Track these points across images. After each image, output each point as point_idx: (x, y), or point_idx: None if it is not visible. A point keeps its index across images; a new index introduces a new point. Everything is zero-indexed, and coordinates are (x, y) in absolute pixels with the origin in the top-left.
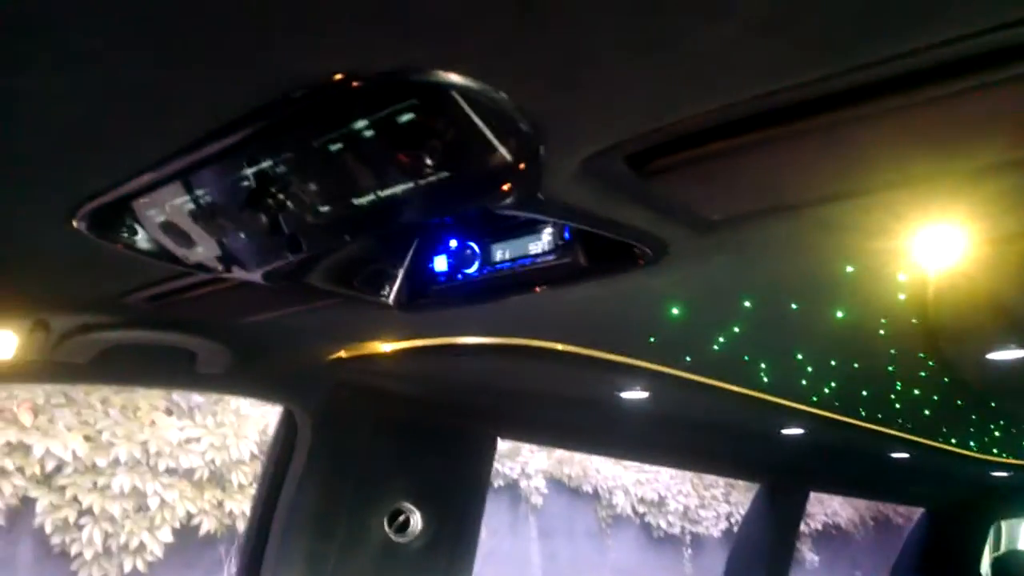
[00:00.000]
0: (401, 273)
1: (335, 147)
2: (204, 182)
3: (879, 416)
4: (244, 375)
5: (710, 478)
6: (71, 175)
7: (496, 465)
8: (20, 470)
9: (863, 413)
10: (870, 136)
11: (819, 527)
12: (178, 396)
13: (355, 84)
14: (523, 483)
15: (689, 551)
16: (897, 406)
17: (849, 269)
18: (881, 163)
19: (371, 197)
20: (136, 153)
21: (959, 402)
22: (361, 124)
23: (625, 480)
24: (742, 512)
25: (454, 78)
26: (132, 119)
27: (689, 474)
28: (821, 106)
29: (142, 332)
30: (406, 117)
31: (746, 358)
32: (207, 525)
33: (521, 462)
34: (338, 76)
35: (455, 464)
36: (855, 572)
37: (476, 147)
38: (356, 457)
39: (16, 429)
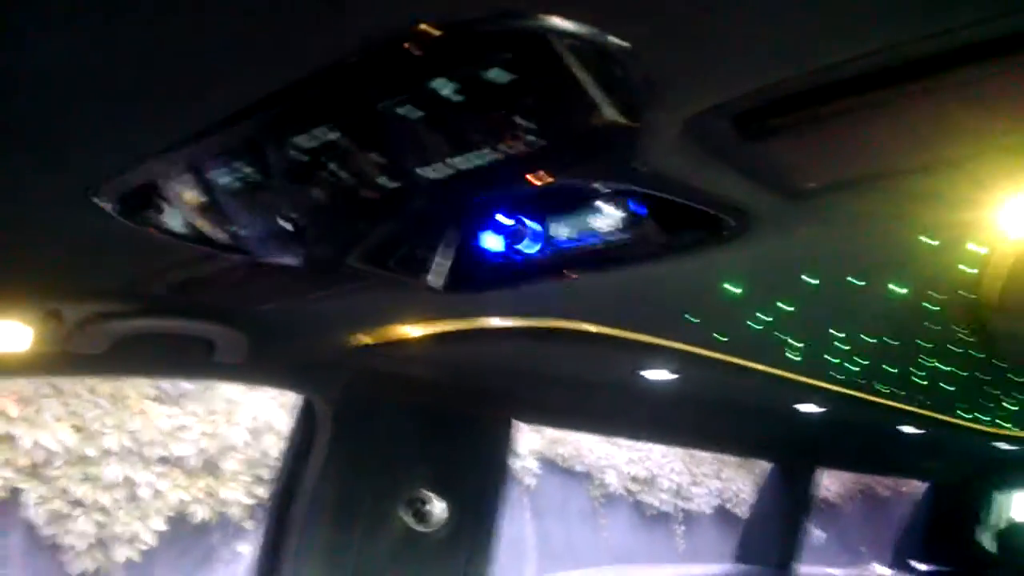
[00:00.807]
0: (449, 253)
1: (404, 110)
2: (244, 156)
3: (898, 392)
4: (263, 364)
5: (701, 455)
6: (96, 148)
7: None
8: (8, 462)
9: (883, 389)
10: (968, 102)
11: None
12: (167, 384)
13: (436, 34)
14: (516, 464)
15: (682, 528)
16: (917, 382)
17: (927, 241)
18: (976, 130)
19: (440, 167)
20: (174, 124)
21: (981, 376)
22: (439, 83)
23: (617, 459)
24: (734, 489)
25: (561, 23)
26: (174, 86)
27: (680, 451)
28: (924, 69)
29: (159, 320)
30: (495, 74)
31: (785, 336)
32: (200, 514)
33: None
34: (422, 26)
35: (475, 450)
36: (860, 548)
37: (576, 107)
38: (376, 445)
39: (3, 421)
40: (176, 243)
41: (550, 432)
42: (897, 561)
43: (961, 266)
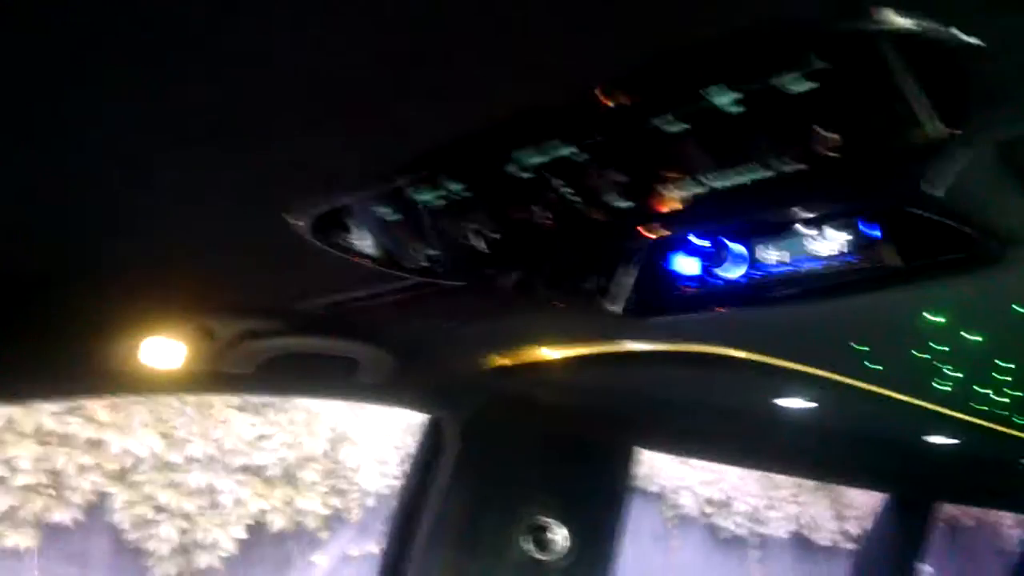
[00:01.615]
0: (630, 275)
1: (664, 122)
2: (459, 176)
3: None
4: (401, 384)
5: (779, 478)
6: (300, 168)
7: None
8: (98, 467)
9: (1020, 422)
10: None
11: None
12: None
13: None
14: None
15: (757, 553)
16: None
17: None
18: None
19: (689, 184)
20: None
21: None
22: (715, 90)
23: (691, 480)
24: (811, 513)
25: (899, 19)
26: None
27: (756, 474)
28: None
29: (310, 339)
30: (789, 81)
31: (943, 365)
32: (278, 523)
33: None
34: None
35: (597, 478)
36: None
37: (891, 121)
38: (501, 469)
39: (94, 426)
40: (348, 261)
41: None
42: None
43: None
